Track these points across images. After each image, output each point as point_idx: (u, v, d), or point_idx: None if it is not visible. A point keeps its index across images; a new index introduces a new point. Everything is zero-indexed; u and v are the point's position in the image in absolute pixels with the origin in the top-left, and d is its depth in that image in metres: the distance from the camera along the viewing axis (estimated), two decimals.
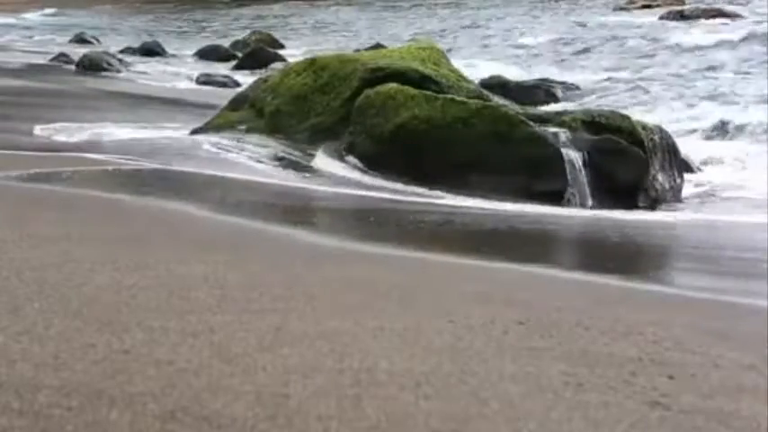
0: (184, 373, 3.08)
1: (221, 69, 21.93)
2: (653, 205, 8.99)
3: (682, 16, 29.48)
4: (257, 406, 2.84)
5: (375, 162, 9.22)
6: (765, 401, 3.15)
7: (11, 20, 41.61)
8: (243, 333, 3.54)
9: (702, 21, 28.09)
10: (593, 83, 18.06)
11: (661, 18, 29.76)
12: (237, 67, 22.17)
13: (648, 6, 33.01)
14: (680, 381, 3.30)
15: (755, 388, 3.29)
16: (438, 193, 8.39)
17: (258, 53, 23.29)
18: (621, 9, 34.27)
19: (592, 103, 14.87)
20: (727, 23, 27.10)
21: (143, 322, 3.61)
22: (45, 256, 4.66)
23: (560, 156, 9.10)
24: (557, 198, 8.70)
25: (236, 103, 10.75)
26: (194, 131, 10.43)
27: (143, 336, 3.45)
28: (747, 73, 18.08)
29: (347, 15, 40.11)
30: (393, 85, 9.63)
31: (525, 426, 2.82)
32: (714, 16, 28.83)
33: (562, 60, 21.64)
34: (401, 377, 3.15)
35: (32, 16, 44.84)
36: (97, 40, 30.19)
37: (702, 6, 30.83)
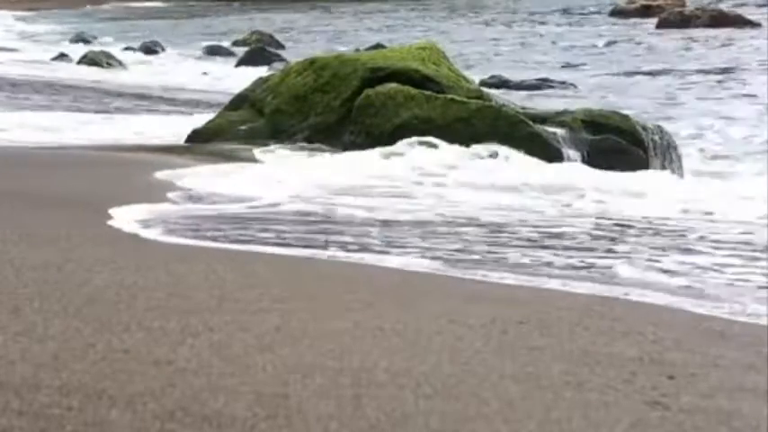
0: (184, 373, 3.08)
1: (221, 68, 21.94)
2: None
3: (682, 21, 29.18)
4: (257, 406, 2.84)
5: None
6: (765, 401, 3.15)
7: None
8: (242, 333, 3.54)
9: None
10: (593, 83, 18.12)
11: (659, 26, 29.35)
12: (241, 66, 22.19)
13: (648, 8, 32.89)
14: (680, 381, 3.30)
15: (755, 388, 3.29)
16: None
17: (258, 53, 23.30)
18: (619, 13, 34.04)
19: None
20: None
21: (143, 322, 3.61)
22: (45, 256, 4.66)
23: (560, 155, 9.10)
24: None
25: (235, 103, 10.73)
26: (194, 132, 10.41)
27: (143, 336, 3.45)
28: None
29: None
30: (393, 85, 9.63)
31: (525, 426, 2.82)
32: (718, 20, 28.40)
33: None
34: (401, 377, 3.15)
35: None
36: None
37: (705, 10, 30.47)
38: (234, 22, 38.45)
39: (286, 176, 8.23)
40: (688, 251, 5.97)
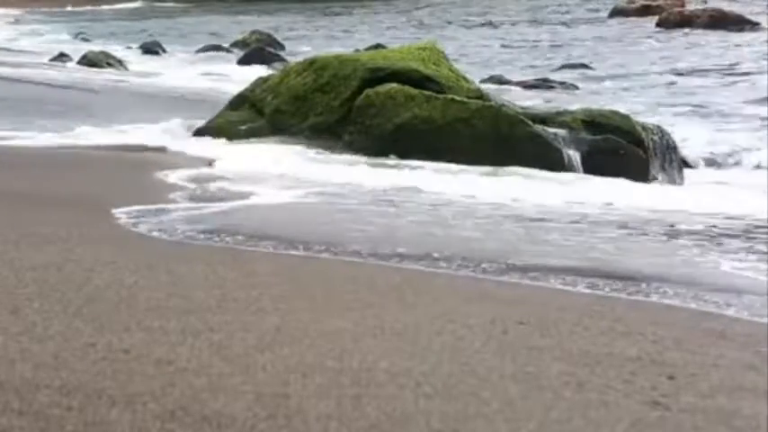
0: (184, 373, 3.08)
1: (221, 68, 21.93)
2: None
3: (682, 21, 29.08)
4: (257, 406, 2.84)
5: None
6: (765, 401, 3.15)
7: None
8: (242, 333, 3.54)
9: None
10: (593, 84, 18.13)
11: (659, 26, 29.29)
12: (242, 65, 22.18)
13: (648, 8, 32.87)
14: (680, 381, 3.30)
15: (755, 388, 3.29)
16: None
17: (258, 53, 23.30)
18: (619, 13, 33.96)
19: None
20: None
21: (143, 322, 3.61)
22: (45, 256, 4.66)
23: (560, 155, 9.11)
24: None
25: (235, 104, 10.74)
26: (196, 132, 10.44)
27: (143, 336, 3.46)
28: None
29: None
30: (393, 85, 9.63)
31: (525, 426, 2.82)
32: (718, 20, 28.29)
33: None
34: (401, 377, 3.15)
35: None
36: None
37: (704, 8, 30.42)
38: (233, 22, 38.45)
39: (290, 175, 8.27)
40: None
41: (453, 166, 8.92)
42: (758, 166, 10.39)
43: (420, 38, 24.53)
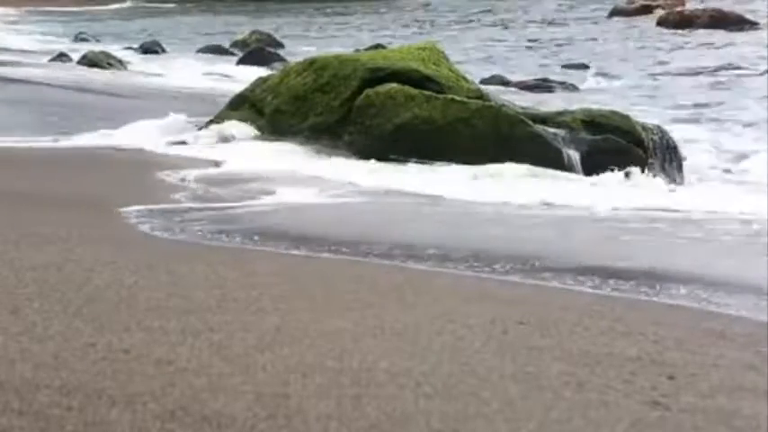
0: (184, 373, 3.08)
1: (221, 68, 21.92)
2: None
3: (681, 21, 29.03)
4: (257, 406, 2.84)
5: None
6: (765, 401, 3.15)
7: None
8: (242, 333, 3.54)
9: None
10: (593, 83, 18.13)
11: (659, 26, 29.26)
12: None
13: (647, 8, 32.85)
14: (680, 381, 3.30)
15: (755, 388, 3.29)
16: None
17: (258, 53, 23.28)
18: (619, 13, 33.90)
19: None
20: None
21: (143, 322, 3.61)
22: (45, 256, 4.66)
23: (560, 155, 9.10)
24: None
25: (235, 104, 10.74)
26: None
27: (143, 336, 3.46)
28: None
29: None
30: (393, 85, 9.63)
31: (525, 426, 2.82)
32: (717, 20, 28.23)
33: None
34: (401, 377, 3.15)
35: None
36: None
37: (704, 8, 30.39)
38: (233, 22, 38.43)
39: (291, 175, 8.28)
40: None
41: (455, 166, 8.93)
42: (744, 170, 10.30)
43: (421, 37, 24.53)
